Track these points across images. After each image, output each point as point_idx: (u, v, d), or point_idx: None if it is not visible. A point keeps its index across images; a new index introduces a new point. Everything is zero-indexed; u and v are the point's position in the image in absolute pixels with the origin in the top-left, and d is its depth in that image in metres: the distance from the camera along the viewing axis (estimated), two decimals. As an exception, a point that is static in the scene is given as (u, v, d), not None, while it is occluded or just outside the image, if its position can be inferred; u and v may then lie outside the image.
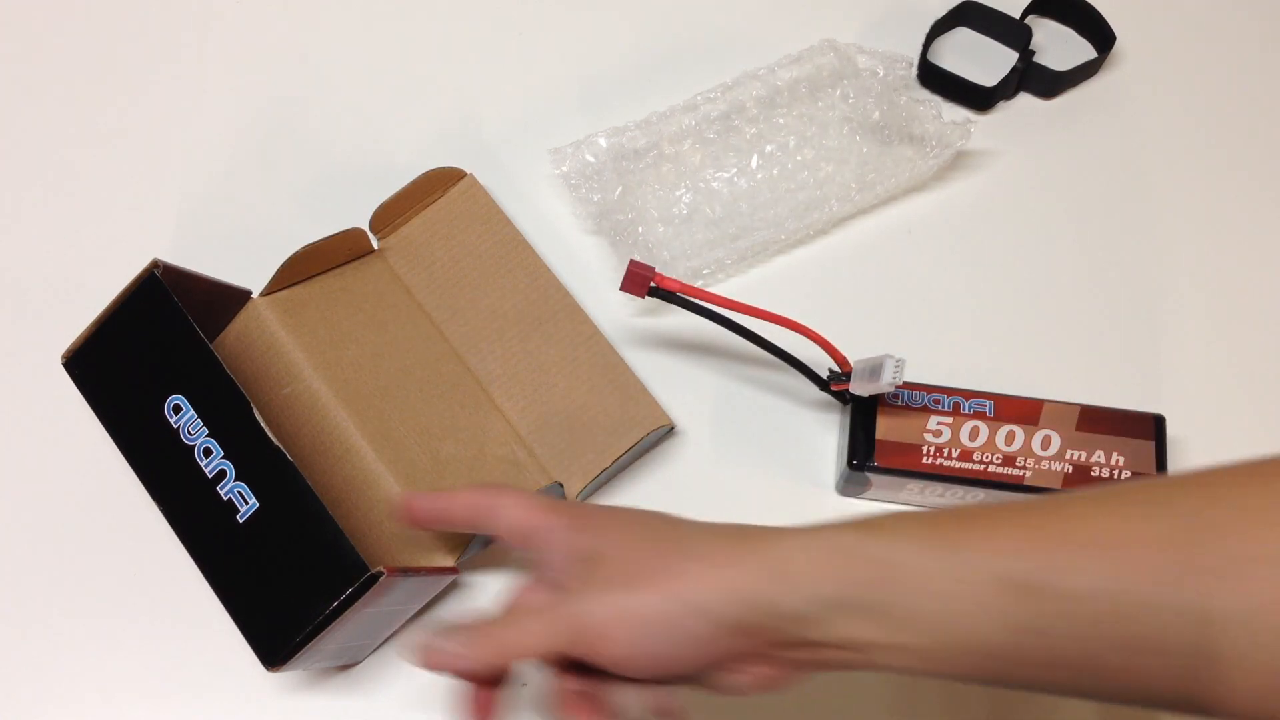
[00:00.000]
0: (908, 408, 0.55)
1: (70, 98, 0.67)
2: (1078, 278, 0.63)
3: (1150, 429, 0.55)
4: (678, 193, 0.63)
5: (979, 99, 0.66)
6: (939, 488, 0.55)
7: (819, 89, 0.65)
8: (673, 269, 0.60)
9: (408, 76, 0.68)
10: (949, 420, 0.55)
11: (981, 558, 0.37)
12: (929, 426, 0.55)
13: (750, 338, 0.55)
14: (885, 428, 0.55)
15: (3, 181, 0.65)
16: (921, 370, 0.56)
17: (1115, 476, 0.54)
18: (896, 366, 0.52)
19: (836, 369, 0.55)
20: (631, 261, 0.54)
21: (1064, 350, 0.61)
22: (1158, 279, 0.63)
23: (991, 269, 0.63)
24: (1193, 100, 0.67)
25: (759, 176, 0.63)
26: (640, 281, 0.54)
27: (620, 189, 0.62)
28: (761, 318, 0.53)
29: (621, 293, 0.54)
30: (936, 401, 0.56)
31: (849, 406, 0.56)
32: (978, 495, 0.55)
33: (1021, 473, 0.54)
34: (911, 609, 0.37)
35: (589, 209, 0.62)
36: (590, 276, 0.62)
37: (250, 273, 0.56)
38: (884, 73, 0.64)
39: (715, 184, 0.63)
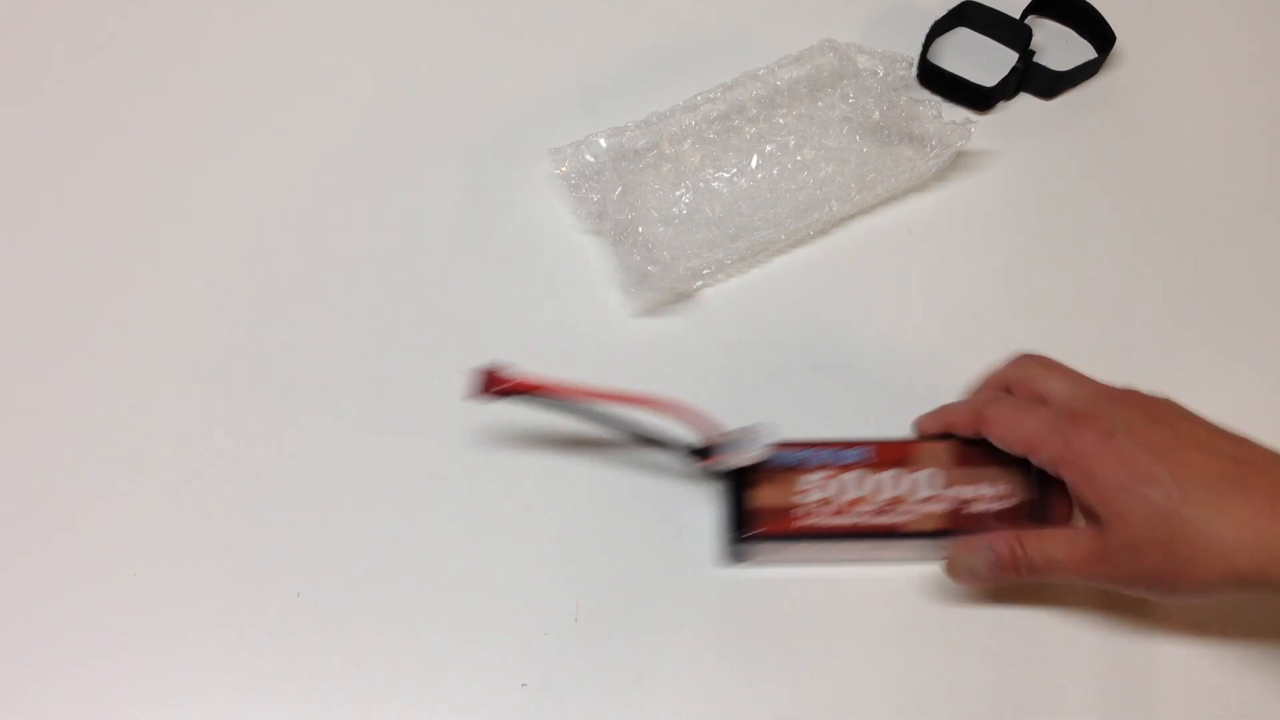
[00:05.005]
0: (782, 469, 0.54)
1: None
2: (1081, 277, 0.63)
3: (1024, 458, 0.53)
4: (678, 193, 0.63)
5: (979, 99, 0.66)
6: (822, 546, 0.54)
7: (819, 89, 0.65)
8: (673, 269, 0.60)
9: (406, 77, 0.68)
10: (825, 476, 0.53)
11: None
12: (804, 486, 0.53)
13: (610, 424, 0.53)
14: (760, 494, 0.53)
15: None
16: (926, 369, 0.56)
17: (995, 511, 0.53)
18: (762, 436, 0.51)
19: (705, 443, 0.54)
20: (476, 369, 0.52)
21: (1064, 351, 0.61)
22: (1163, 279, 0.63)
23: (992, 268, 0.63)
24: (1193, 101, 0.67)
25: (759, 176, 0.63)
26: (488, 386, 0.52)
27: (620, 189, 0.62)
28: (622, 401, 0.52)
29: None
30: (811, 458, 0.54)
31: (724, 477, 0.54)
32: (862, 548, 0.54)
33: (902, 519, 0.53)
34: None
35: (589, 209, 0.62)
36: (590, 276, 0.62)
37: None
38: (884, 73, 0.64)
39: (715, 184, 0.63)
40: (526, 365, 0.60)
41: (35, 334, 0.61)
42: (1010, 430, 0.51)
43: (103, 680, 0.53)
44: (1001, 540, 0.51)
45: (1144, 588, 0.49)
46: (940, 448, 0.54)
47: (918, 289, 0.62)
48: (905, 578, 0.55)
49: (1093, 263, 0.63)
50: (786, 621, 0.55)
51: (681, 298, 0.62)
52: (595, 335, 0.61)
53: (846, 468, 0.54)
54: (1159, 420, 0.49)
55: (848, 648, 0.54)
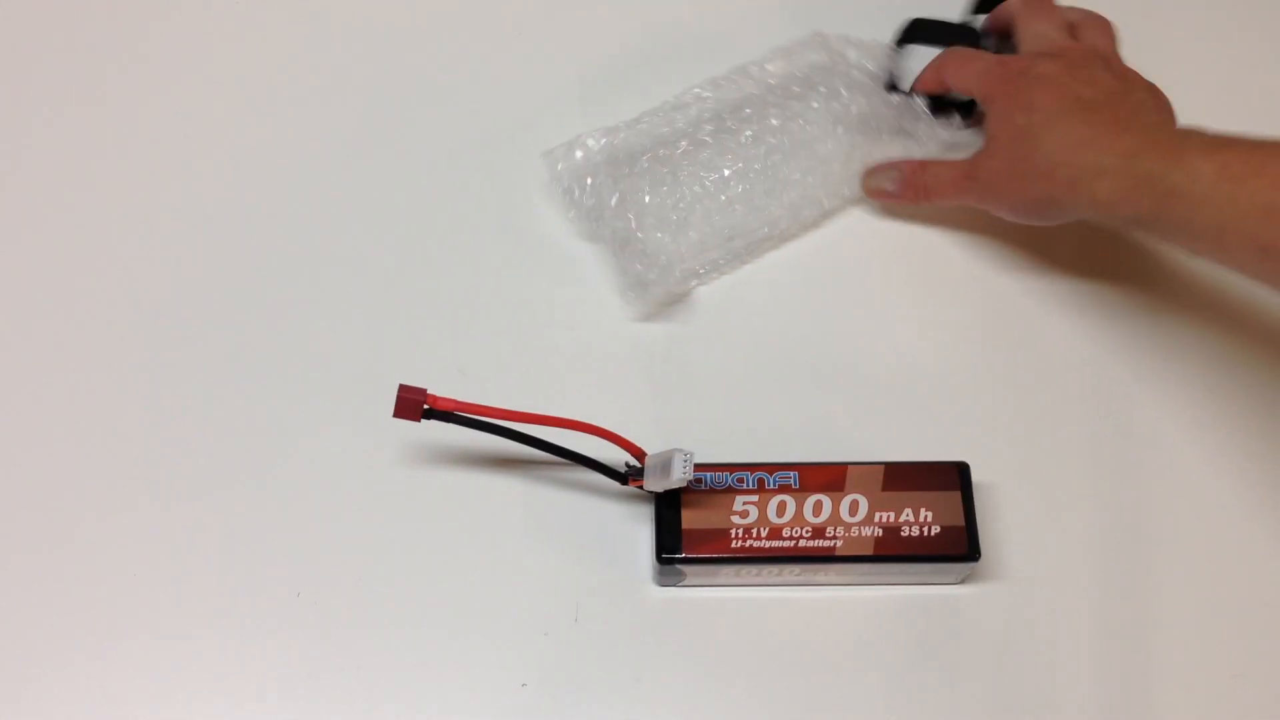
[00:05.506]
0: (712, 491, 0.54)
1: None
2: (1075, 270, 0.63)
3: (955, 479, 0.54)
4: (673, 196, 0.63)
5: (962, 109, 0.65)
6: (754, 569, 0.54)
7: (810, 85, 0.65)
8: (670, 272, 0.60)
9: (403, 78, 0.68)
10: (755, 499, 0.54)
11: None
12: (735, 508, 0.54)
13: (540, 445, 0.53)
14: (691, 516, 0.54)
15: None
16: (916, 361, 0.56)
17: (926, 534, 0.53)
18: (685, 461, 0.51)
19: (635, 463, 0.54)
20: (401, 387, 0.52)
21: (1063, 342, 0.62)
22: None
23: (982, 260, 0.64)
24: (1192, 99, 0.67)
25: (752, 175, 0.63)
26: (412, 407, 0.52)
27: (617, 195, 0.62)
28: (549, 424, 0.53)
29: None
30: (740, 481, 0.54)
31: (657, 499, 0.54)
32: (794, 571, 0.54)
33: (832, 543, 0.53)
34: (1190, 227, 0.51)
35: (583, 212, 0.63)
36: (586, 280, 0.63)
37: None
38: (874, 66, 0.65)
39: (710, 184, 0.63)
40: (526, 367, 0.61)
41: (35, 336, 0.60)
42: (959, 74, 0.61)
43: (103, 680, 0.53)
44: (907, 165, 0.62)
45: (1003, 204, 0.59)
46: (868, 471, 0.54)
47: (908, 283, 0.63)
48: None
49: (1088, 257, 0.64)
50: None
51: (677, 298, 0.62)
52: (594, 337, 0.61)
53: (775, 491, 0.54)
54: (1076, 71, 0.57)
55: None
